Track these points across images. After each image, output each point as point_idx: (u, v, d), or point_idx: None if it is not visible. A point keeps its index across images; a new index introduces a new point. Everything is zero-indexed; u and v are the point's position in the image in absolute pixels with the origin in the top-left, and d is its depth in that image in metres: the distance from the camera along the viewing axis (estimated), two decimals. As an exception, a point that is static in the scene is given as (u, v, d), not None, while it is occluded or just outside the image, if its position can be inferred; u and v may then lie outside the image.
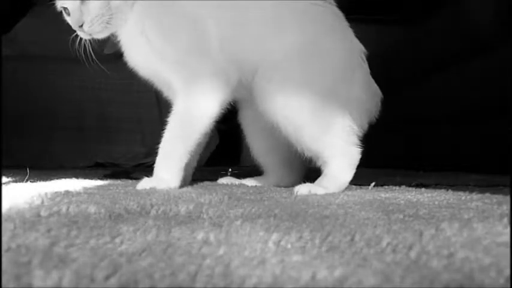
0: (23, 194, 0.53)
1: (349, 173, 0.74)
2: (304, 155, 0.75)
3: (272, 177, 0.87)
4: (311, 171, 0.76)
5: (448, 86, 1.52)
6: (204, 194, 0.59)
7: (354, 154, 0.74)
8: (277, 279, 0.24)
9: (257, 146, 0.87)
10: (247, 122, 0.86)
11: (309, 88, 0.73)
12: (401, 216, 0.44)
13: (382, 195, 0.64)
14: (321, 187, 0.70)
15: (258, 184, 0.85)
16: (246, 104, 0.82)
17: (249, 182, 0.87)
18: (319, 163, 0.75)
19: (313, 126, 0.73)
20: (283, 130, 0.74)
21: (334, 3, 0.79)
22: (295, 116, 0.73)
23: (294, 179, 0.83)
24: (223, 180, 0.87)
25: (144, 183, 0.69)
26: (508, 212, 0.44)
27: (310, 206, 0.52)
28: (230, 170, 1.21)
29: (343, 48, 0.78)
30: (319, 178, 0.73)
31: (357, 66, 0.79)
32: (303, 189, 0.69)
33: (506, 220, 0.38)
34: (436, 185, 0.86)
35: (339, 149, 0.73)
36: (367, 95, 0.78)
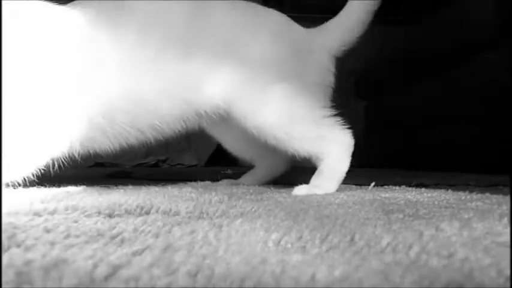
0: (22, 194, 0.53)
1: (345, 162, 0.73)
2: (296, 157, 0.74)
3: (263, 168, 0.88)
4: (308, 171, 0.76)
5: (448, 86, 1.52)
6: (204, 193, 0.59)
7: (347, 139, 0.73)
8: (277, 279, 0.24)
9: (237, 148, 0.88)
10: (220, 134, 0.87)
11: (290, 97, 0.72)
12: (401, 216, 0.44)
13: (382, 195, 0.64)
14: (318, 187, 0.70)
15: (254, 179, 0.86)
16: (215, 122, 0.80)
17: (243, 179, 0.88)
18: (313, 159, 0.73)
19: (304, 133, 0.72)
20: (271, 143, 0.73)
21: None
22: (284, 131, 0.71)
23: (283, 164, 0.84)
24: (223, 182, 0.87)
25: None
26: (508, 212, 0.44)
27: (310, 205, 0.52)
28: (228, 170, 1.21)
29: (289, 41, 0.76)
30: (315, 175, 0.72)
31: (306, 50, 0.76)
32: (301, 191, 0.68)
33: (506, 220, 0.38)
34: (436, 185, 0.86)
35: (332, 142, 0.72)
36: (324, 74, 0.76)
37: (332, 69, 0.77)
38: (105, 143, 0.71)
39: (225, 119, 0.75)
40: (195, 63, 0.70)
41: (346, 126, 0.74)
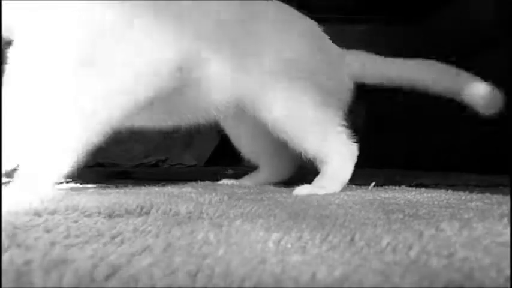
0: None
1: (349, 170, 0.74)
2: (303, 155, 0.75)
3: (268, 169, 0.88)
4: (309, 173, 0.76)
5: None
6: (204, 193, 0.59)
7: (352, 150, 0.75)
8: (277, 279, 0.24)
9: (247, 146, 0.88)
10: (232, 128, 0.87)
11: (305, 97, 0.73)
12: (401, 216, 0.44)
13: (382, 195, 0.64)
14: (321, 187, 0.70)
15: (256, 181, 0.86)
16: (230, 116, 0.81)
17: (245, 180, 0.88)
18: (317, 162, 0.74)
19: (314, 133, 0.74)
20: (283, 138, 0.74)
21: None
22: (296, 127, 0.73)
23: (290, 167, 0.84)
24: (223, 181, 0.87)
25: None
26: (508, 212, 0.44)
27: (310, 206, 0.52)
28: (230, 170, 1.21)
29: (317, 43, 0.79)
30: (318, 177, 0.73)
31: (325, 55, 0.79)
32: (303, 191, 0.69)
33: (506, 220, 0.38)
34: (436, 185, 0.86)
35: (338, 147, 0.74)
36: (341, 83, 0.79)
37: (351, 90, 0.80)
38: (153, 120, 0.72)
39: (241, 115, 0.77)
40: (242, 57, 0.72)
41: (353, 140, 0.76)
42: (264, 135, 0.80)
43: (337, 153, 0.74)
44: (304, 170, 0.81)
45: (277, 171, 0.88)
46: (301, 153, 0.74)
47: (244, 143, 0.90)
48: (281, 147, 0.83)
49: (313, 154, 0.74)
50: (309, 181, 0.73)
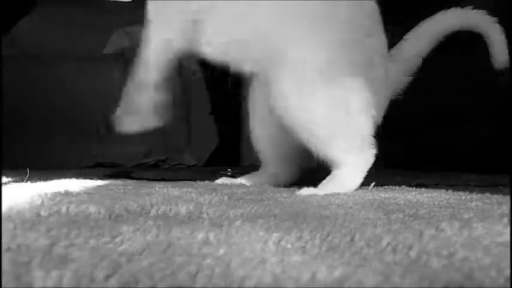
0: (23, 194, 0.53)
1: (358, 179, 0.73)
2: (315, 155, 0.73)
3: (270, 170, 0.86)
4: (313, 173, 0.76)
5: (449, 85, 1.52)
6: (204, 194, 0.59)
7: (367, 159, 0.73)
8: (277, 279, 0.24)
9: (259, 133, 0.85)
10: (254, 105, 0.84)
11: (325, 86, 0.71)
12: (401, 216, 0.44)
13: (382, 195, 0.64)
14: (325, 191, 0.69)
15: (255, 181, 0.85)
16: (258, 83, 0.80)
17: (245, 179, 0.86)
18: (329, 164, 0.73)
19: (327, 130, 0.71)
20: (296, 132, 0.72)
21: None
22: (309, 118, 0.71)
23: (292, 174, 0.84)
24: (221, 180, 0.87)
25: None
26: (508, 212, 0.44)
27: (310, 206, 0.52)
28: (229, 170, 1.21)
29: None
30: (325, 180, 0.72)
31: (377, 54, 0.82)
32: (305, 192, 0.68)
33: (506, 220, 0.38)
34: (436, 185, 0.86)
35: (352, 154, 0.72)
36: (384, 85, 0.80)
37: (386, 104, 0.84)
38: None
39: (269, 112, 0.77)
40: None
41: (373, 146, 0.74)
42: (281, 137, 0.79)
43: (349, 160, 0.72)
44: (310, 171, 0.80)
45: (279, 175, 0.87)
46: (311, 157, 0.73)
47: (260, 136, 0.86)
48: (291, 153, 0.81)
49: (329, 159, 0.72)
50: (312, 179, 0.72)
